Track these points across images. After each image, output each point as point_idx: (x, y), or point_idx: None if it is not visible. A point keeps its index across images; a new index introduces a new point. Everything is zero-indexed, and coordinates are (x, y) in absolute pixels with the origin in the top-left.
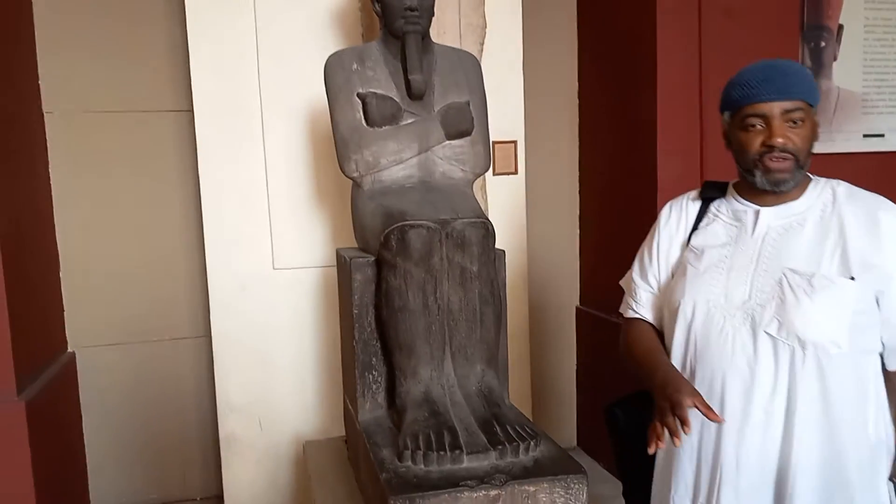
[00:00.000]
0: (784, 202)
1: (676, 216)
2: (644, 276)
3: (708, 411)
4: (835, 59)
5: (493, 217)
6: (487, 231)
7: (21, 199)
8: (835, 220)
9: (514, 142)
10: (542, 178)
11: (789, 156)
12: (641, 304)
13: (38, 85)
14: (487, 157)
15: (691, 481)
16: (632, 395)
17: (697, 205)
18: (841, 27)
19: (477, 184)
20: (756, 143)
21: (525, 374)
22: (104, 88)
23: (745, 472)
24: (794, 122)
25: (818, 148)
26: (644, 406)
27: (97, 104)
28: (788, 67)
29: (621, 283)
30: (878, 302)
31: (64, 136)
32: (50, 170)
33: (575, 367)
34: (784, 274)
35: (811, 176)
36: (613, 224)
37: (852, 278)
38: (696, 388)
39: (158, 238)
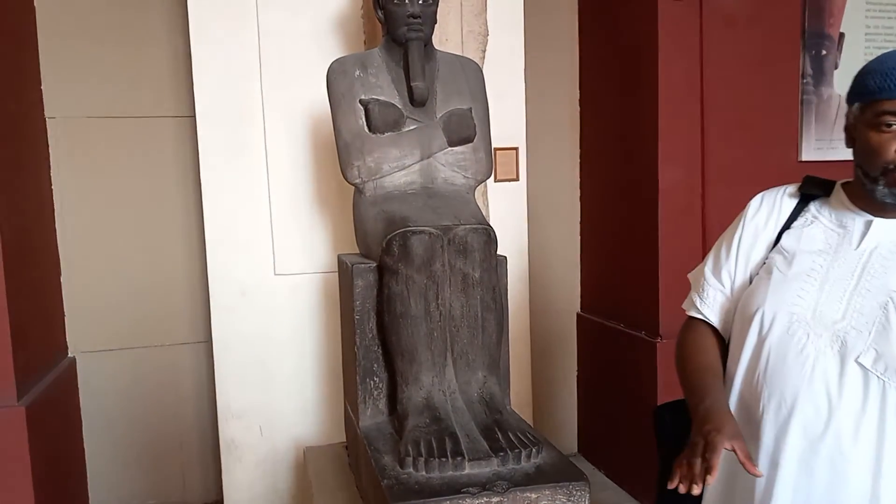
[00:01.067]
0: None
1: (768, 209)
2: (717, 272)
3: (746, 461)
4: (836, 67)
5: (495, 223)
6: (489, 237)
7: (23, 205)
8: None
9: (516, 148)
10: (543, 184)
11: None
12: (708, 303)
13: (41, 90)
14: (489, 163)
15: None
16: (682, 400)
17: (795, 201)
18: (842, 35)
19: (478, 190)
20: (892, 147)
21: (526, 380)
22: (106, 94)
23: None
24: None
25: (819, 155)
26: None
27: (99, 110)
28: None
29: (689, 275)
30: None
31: (66, 142)
32: (52, 175)
33: (576, 374)
34: (891, 298)
35: None
36: (614, 231)
37: None
38: (751, 411)
39: (159, 243)
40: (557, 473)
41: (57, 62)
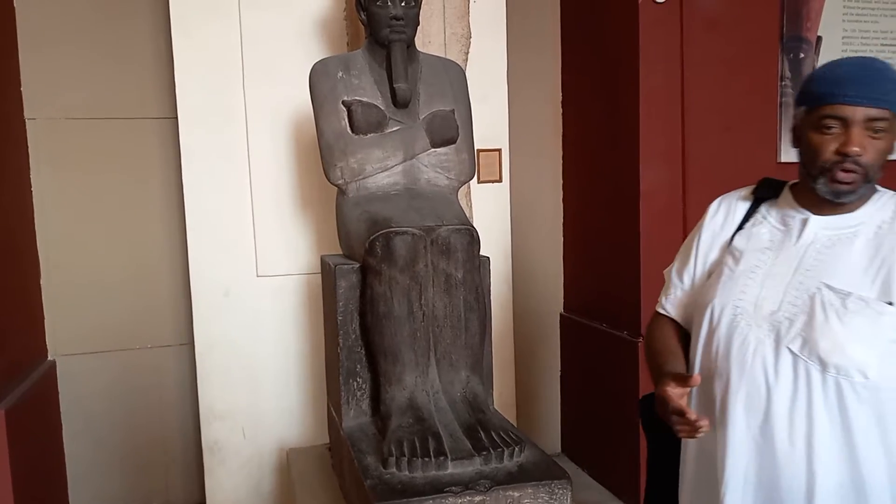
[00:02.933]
0: (839, 213)
1: (724, 213)
2: (680, 272)
3: (684, 381)
4: (813, 69)
5: (478, 224)
6: (472, 238)
7: (1, 206)
8: (890, 238)
9: (499, 150)
10: (526, 185)
11: (860, 168)
12: (670, 300)
13: (20, 91)
14: (472, 164)
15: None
16: None
17: (748, 204)
18: (819, 39)
19: (462, 191)
20: (829, 148)
21: (510, 380)
22: (87, 95)
23: (774, 497)
24: (875, 132)
25: (798, 157)
26: None
27: (80, 111)
28: (883, 71)
29: (664, 272)
30: None
31: (46, 143)
32: (31, 176)
33: (559, 374)
34: (819, 289)
35: (878, 187)
36: (597, 231)
37: (890, 303)
38: (710, 397)
39: (141, 245)
40: (540, 472)
41: (37, 63)
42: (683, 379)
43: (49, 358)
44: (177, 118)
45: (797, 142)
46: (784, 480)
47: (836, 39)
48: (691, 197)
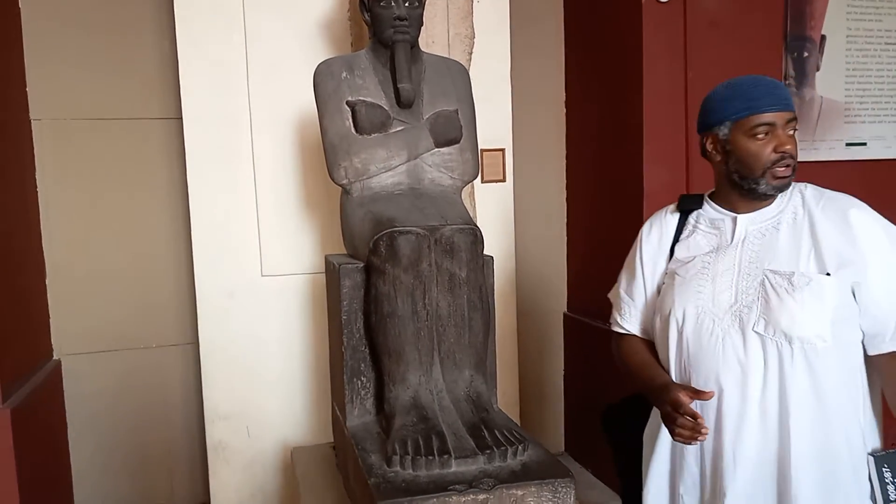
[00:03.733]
0: (758, 208)
1: (658, 231)
2: (630, 291)
3: (698, 394)
4: (818, 69)
5: (482, 224)
6: (476, 237)
7: (7, 207)
8: (807, 221)
9: (503, 150)
10: (529, 185)
11: (793, 162)
12: (627, 319)
13: (26, 92)
14: (476, 164)
15: (697, 478)
16: (626, 400)
17: (676, 217)
18: (823, 38)
19: (465, 191)
20: (767, 150)
21: (513, 379)
22: (92, 96)
23: (746, 468)
24: (793, 131)
25: (802, 156)
26: (639, 409)
27: (85, 112)
28: (777, 82)
29: (609, 296)
30: (854, 294)
31: (51, 144)
32: (37, 177)
33: (563, 373)
34: (765, 275)
35: None
36: (600, 231)
37: (828, 274)
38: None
39: (146, 245)
40: (543, 471)
41: (42, 64)
42: (697, 392)
43: (54, 357)
44: (181, 119)
45: (720, 156)
46: (755, 452)
47: (840, 38)
48: None
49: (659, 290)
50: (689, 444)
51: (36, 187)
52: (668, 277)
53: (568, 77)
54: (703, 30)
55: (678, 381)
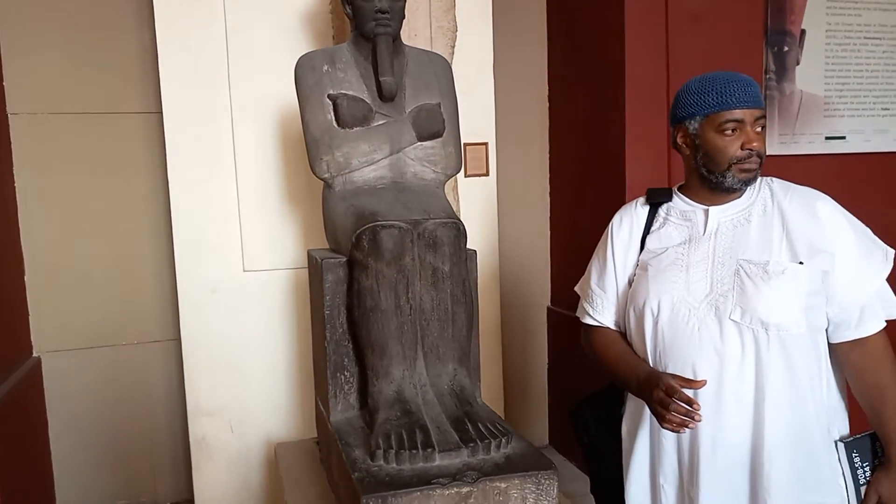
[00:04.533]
0: (729, 201)
1: (628, 223)
2: (601, 283)
3: (689, 382)
4: (797, 63)
5: (465, 218)
6: (459, 231)
7: None
8: (776, 212)
9: (486, 144)
10: (513, 179)
11: (759, 158)
12: (599, 311)
13: (3, 86)
14: (459, 158)
15: (675, 466)
16: (596, 394)
17: (646, 210)
18: (803, 32)
19: (448, 185)
20: (735, 146)
21: (497, 372)
22: (71, 90)
23: (722, 453)
24: (760, 129)
25: (782, 150)
26: (610, 404)
27: (63, 106)
28: (750, 79)
29: (576, 289)
30: (822, 283)
31: (29, 138)
32: (14, 173)
33: (546, 366)
34: (740, 265)
35: None
36: (583, 225)
37: (801, 263)
38: None
39: (126, 241)
40: (526, 463)
41: (19, 57)
42: (687, 381)
43: (34, 355)
44: (161, 113)
45: (689, 149)
46: (731, 438)
47: (819, 32)
48: None
49: (630, 282)
50: (679, 431)
51: (13, 183)
52: (640, 269)
53: (551, 71)
54: (684, 23)
55: (653, 365)
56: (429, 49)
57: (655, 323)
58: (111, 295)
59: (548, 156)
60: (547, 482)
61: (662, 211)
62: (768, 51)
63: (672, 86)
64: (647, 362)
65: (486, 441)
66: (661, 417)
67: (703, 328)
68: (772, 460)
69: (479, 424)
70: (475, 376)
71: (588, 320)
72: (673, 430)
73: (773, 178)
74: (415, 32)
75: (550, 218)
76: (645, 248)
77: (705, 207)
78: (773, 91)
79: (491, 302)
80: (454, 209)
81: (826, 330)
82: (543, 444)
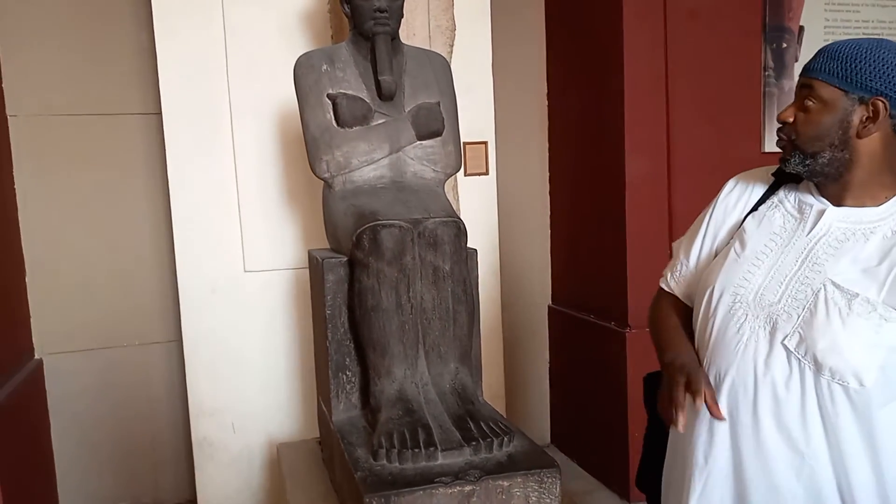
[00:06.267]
0: (861, 205)
1: (739, 192)
2: (687, 250)
3: (713, 405)
4: (796, 59)
5: (465, 217)
6: (459, 230)
7: None
8: None
9: (485, 142)
10: (512, 178)
11: (784, 137)
12: (675, 278)
13: (2, 88)
14: (458, 157)
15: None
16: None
17: (766, 186)
18: (802, 28)
19: (448, 184)
20: (784, 113)
21: (498, 371)
22: (70, 91)
23: (738, 479)
24: (802, 102)
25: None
26: None
27: (62, 107)
28: (853, 47)
29: (673, 244)
30: None
31: (28, 140)
32: (14, 174)
33: (548, 365)
34: (824, 285)
35: None
36: (584, 223)
37: None
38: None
39: (127, 242)
40: (529, 461)
41: (18, 59)
42: (714, 404)
43: (36, 357)
44: (161, 114)
45: None
46: (764, 479)
47: (818, 29)
48: (676, 188)
49: (715, 255)
50: (666, 420)
51: (13, 185)
52: (725, 250)
53: (550, 69)
54: (683, 20)
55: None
56: (427, 48)
57: (708, 317)
58: (112, 296)
59: (547, 154)
60: (550, 480)
61: (783, 191)
62: (767, 47)
63: (671, 82)
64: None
65: (489, 440)
66: (661, 398)
67: (751, 342)
68: None
69: (482, 423)
70: (477, 375)
71: (663, 285)
72: (663, 416)
73: None
74: (413, 31)
75: (551, 216)
76: (742, 227)
77: (826, 205)
78: (771, 88)
79: (492, 300)
80: (454, 208)
81: None
82: (546, 443)
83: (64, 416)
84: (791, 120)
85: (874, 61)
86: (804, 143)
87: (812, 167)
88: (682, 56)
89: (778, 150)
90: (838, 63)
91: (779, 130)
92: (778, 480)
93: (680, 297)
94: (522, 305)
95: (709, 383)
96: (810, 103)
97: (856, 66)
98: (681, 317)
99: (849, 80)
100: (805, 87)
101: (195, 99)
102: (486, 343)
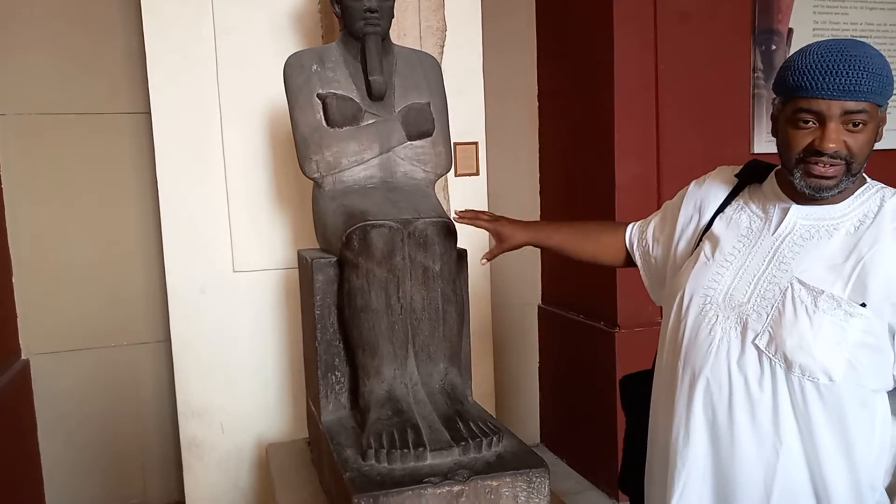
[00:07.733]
0: (821, 203)
1: (707, 190)
2: (658, 226)
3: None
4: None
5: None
6: (449, 230)
7: None
8: (870, 234)
9: (476, 143)
10: (503, 178)
11: (840, 162)
12: (636, 229)
13: None
14: (449, 157)
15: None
16: (646, 371)
17: (730, 187)
18: (791, 31)
19: (439, 184)
20: (803, 143)
21: (488, 371)
22: (58, 90)
23: (717, 479)
24: (854, 125)
25: (771, 148)
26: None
27: (51, 106)
28: (860, 59)
29: (665, 204)
30: (893, 337)
31: (17, 139)
32: (1, 173)
33: (537, 365)
34: (791, 283)
35: (867, 179)
36: None
37: (864, 305)
38: (674, 385)
39: (115, 242)
40: (518, 461)
41: (6, 57)
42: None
43: (22, 357)
44: (150, 113)
45: (775, 132)
46: (742, 476)
47: (807, 31)
48: (666, 189)
49: (673, 247)
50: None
51: (0, 184)
52: (695, 253)
53: (540, 70)
54: (673, 23)
55: (666, 363)
56: (418, 48)
57: (680, 319)
58: (100, 296)
59: (538, 155)
60: (538, 480)
61: (747, 192)
62: (756, 49)
63: (661, 84)
64: (664, 352)
65: (478, 440)
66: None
67: (724, 343)
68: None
69: (471, 423)
70: (466, 375)
71: (629, 225)
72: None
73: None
74: (404, 32)
75: (541, 217)
76: (709, 231)
77: (788, 205)
78: (760, 90)
79: (482, 301)
80: (444, 208)
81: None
82: (535, 443)
83: (51, 416)
84: (843, 147)
85: (885, 70)
86: (857, 167)
87: (844, 188)
88: (672, 58)
89: (770, 152)
90: (878, 81)
91: (829, 158)
92: (754, 478)
93: (626, 242)
94: (512, 306)
95: (511, 238)
96: (860, 126)
97: (887, 80)
98: (599, 231)
99: (884, 94)
100: (859, 112)
101: (184, 98)
102: (475, 343)
